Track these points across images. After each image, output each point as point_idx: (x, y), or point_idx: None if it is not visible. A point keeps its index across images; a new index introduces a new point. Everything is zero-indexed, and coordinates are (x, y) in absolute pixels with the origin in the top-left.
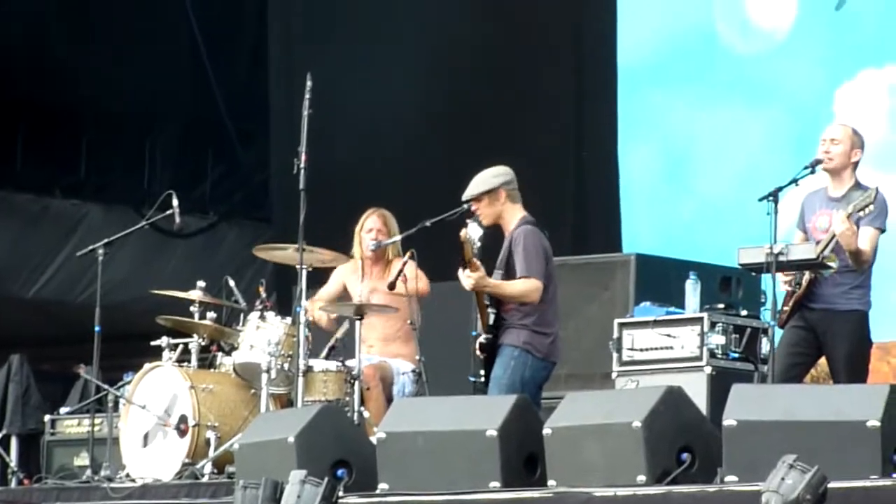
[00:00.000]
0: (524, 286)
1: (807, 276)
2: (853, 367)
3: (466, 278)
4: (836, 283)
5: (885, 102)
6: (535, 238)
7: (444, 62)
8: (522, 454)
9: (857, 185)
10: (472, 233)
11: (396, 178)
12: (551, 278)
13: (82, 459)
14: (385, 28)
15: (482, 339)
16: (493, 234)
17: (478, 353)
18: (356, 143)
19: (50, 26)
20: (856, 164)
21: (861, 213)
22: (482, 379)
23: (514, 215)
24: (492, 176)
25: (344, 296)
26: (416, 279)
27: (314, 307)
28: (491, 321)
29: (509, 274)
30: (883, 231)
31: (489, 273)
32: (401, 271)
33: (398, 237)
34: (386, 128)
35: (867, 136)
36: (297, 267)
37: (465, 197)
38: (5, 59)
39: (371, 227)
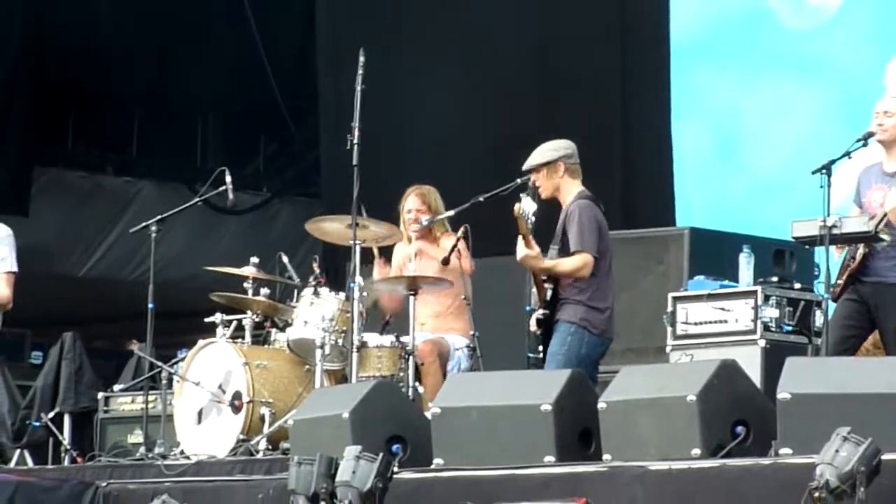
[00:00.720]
0: (576, 262)
1: (861, 249)
2: None
3: (521, 251)
4: (888, 257)
5: None
6: (591, 212)
7: (494, 41)
8: (577, 428)
9: None
10: (527, 207)
11: (449, 156)
12: (606, 253)
13: (136, 437)
14: (430, 9)
15: (539, 314)
16: (552, 208)
17: (534, 328)
18: (407, 121)
19: (101, 6)
20: None
21: None
22: (540, 355)
23: (571, 189)
24: (552, 149)
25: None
26: (464, 258)
27: (386, 296)
28: (548, 297)
29: (564, 248)
30: None
31: (545, 247)
32: (454, 246)
33: (443, 215)
34: (436, 107)
35: None
36: (350, 243)
37: (524, 167)
38: (57, 39)
39: (410, 207)
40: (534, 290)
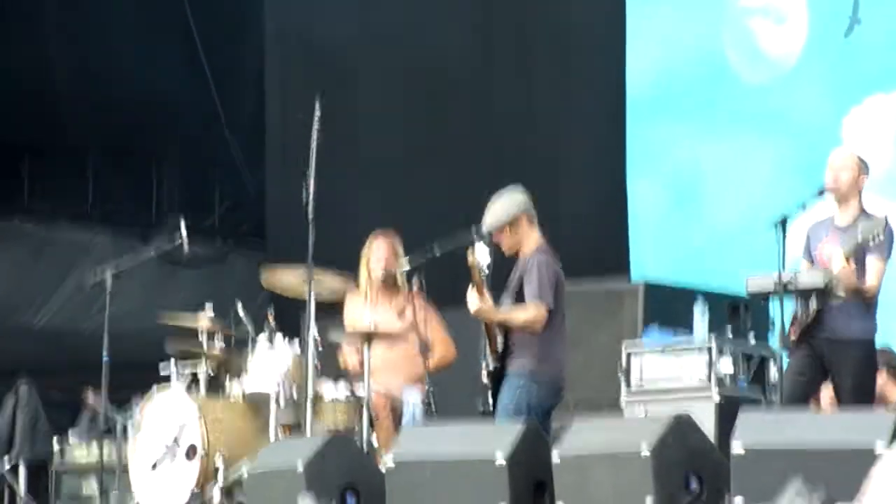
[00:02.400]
0: (530, 314)
1: (814, 303)
2: (859, 396)
3: (473, 302)
4: (842, 313)
5: (893, 128)
6: (550, 266)
7: (443, 93)
8: (531, 482)
9: (864, 213)
10: (481, 257)
11: (397, 202)
12: (560, 307)
13: (91, 487)
14: (379, 57)
15: (490, 367)
16: (505, 257)
17: (485, 381)
18: (353, 169)
19: (51, 58)
20: (861, 191)
21: (871, 244)
22: (491, 408)
23: (530, 240)
24: (512, 204)
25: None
26: (426, 319)
27: (344, 357)
28: (499, 348)
29: (519, 298)
30: (887, 259)
31: (499, 295)
32: (412, 300)
33: (407, 267)
34: (381, 153)
35: (874, 162)
36: (305, 294)
37: (487, 229)
38: (9, 92)
39: (377, 252)
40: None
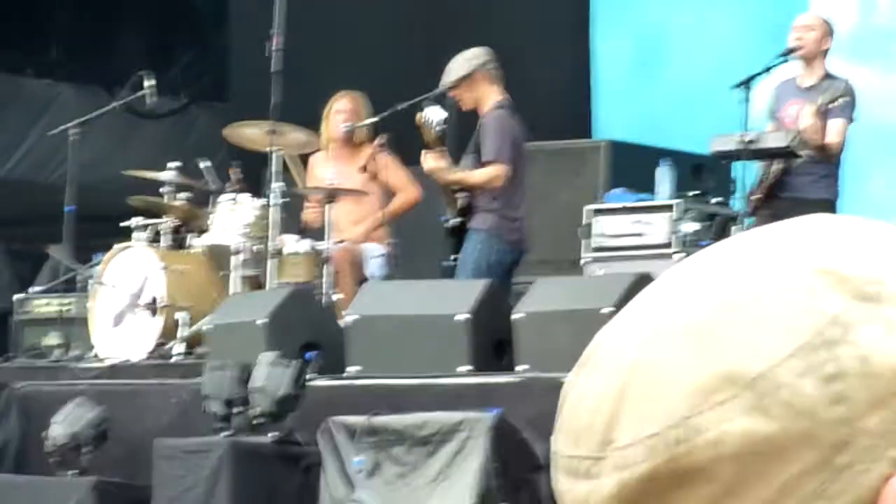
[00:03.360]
0: (488, 173)
1: (777, 164)
2: None
3: (426, 162)
4: (805, 173)
5: None
6: (506, 121)
7: None
8: (492, 339)
9: (828, 76)
10: (432, 115)
11: (371, 65)
12: (520, 162)
13: (52, 339)
14: None
15: (452, 222)
16: (470, 116)
17: (448, 236)
18: (330, 29)
19: None
20: (825, 53)
21: (833, 105)
22: (452, 261)
23: (489, 98)
24: (468, 59)
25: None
26: (388, 169)
27: (306, 213)
28: (460, 205)
29: (479, 157)
30: (852, 122)
31: (460, 155)
32: (372, 154)
33: (370, 120)
34: (354, 14)
35: (840, 25)
36: (269, 149)
37: (442, 85)
38: None
39: (340, 108)
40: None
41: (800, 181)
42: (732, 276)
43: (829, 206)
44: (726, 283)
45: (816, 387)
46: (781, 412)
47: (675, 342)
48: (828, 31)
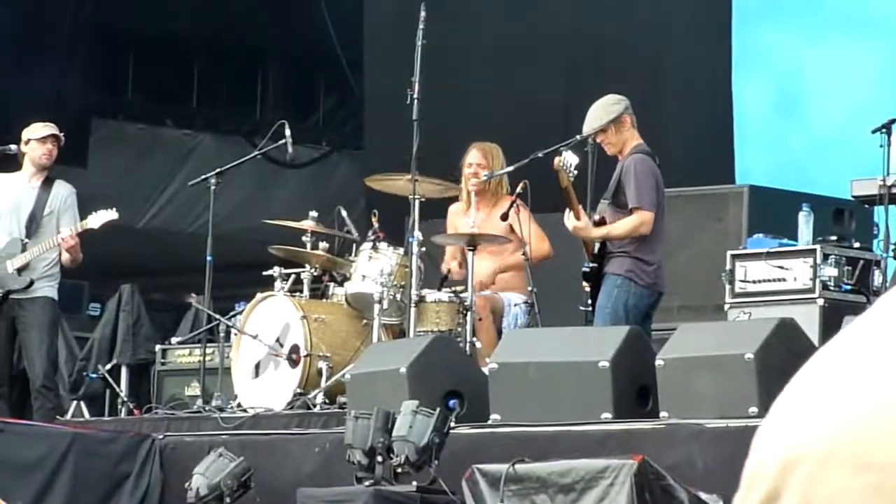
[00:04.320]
0: (633, 222)
1: None
2: None
3: (570, 221)
4: None
5: None
6: (647, 166)
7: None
8: (635, 385)
9: None
10: (568, 159)
11: (506, 114)
12: (661, 208)
13: (193, 389)
14: None
15: (585, 267)
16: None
17: (583, 282)
18: (463, 76)
19: None
20: None
21: None
22: (590, 307)
23: (630, 142)
24: (613, 103)
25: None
26: (525, 222)
27: (447, 263)
28: (595, 250)
29: (616, 201)
30: None
31: (597, 200)
32: (513, 202)
33: (504, 170)
34: (496, 64)
35: None
36: (410, 197)
37: (589, 128)
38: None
39: (471, 161)
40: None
41: None
42: None
43: None
44: None
45: None
46: None
47: None
48: None
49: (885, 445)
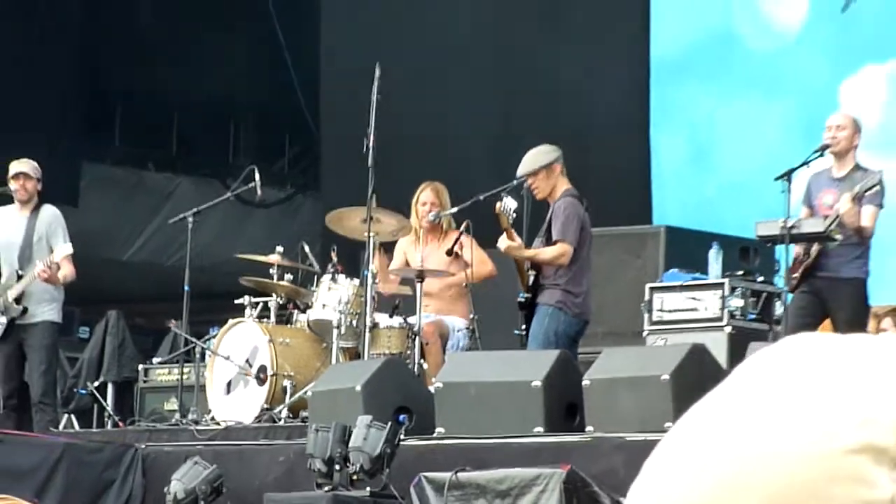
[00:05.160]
0: (555, 251)
1: (815, 247)
2: (853, 328)
3: (502, 243)
4: (840, 255)
5: (885, 94)
6: (573, 207)
7: (503, 60)
8: (563, 402)
9: (858, 167)
10: (508, 204)
11: (447, 156)
12: (584, 244)
13: (172, 404)
14: (428, 17)
15: (521, 298)
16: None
17: (519, 310)
18: (407, 124)
19: (142, 20)
20: (856, 147)
21: (868, 192)
22: (524, 332)
23: (560, 188)
24: (546, 152)
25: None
26: (470, 250)
27: (382, 279)
28: (530, 282)
29: (548, 240)
30: (881, 208)
31: (532, 239)
32: (457, 240)
33: (450, 210)
34: (435, 110)
35: (867, 123)
36: (365, 235)
37: (523, 172)
38: (105, 50)
39: (426, 200)
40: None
41: (834, 262)
42: (778, 459)
43: (860, 283)
44: (775, 469)
45: None
46: None
47: None
48: (857, 129)
49: None
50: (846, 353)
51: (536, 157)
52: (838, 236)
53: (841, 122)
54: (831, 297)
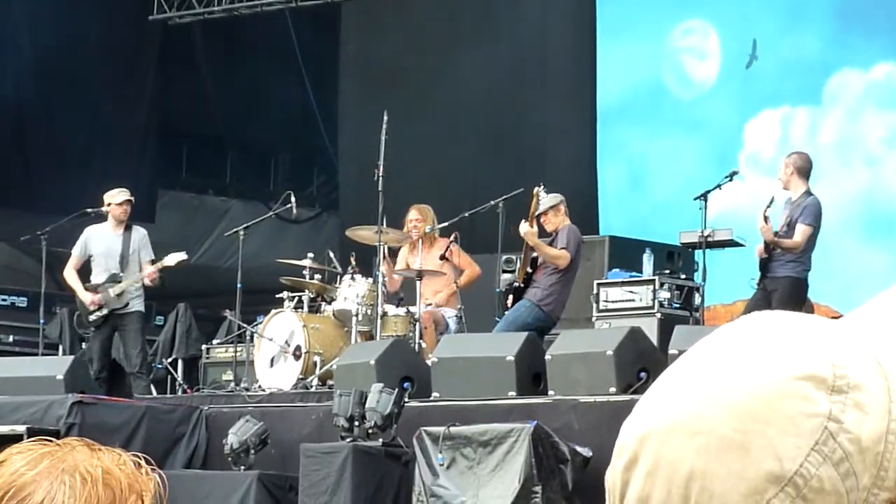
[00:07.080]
0: (558, 252)
1: (765, 255)
2: None
3: (523, 227)
4: (776, 259)
5: (778, 132)
6: (578, 234)
7: (470, 106)
8: (531, 373)
9: (807, 193)
10: (543, 194)
11: (436, 181)
12: (576, 263)
13: (228, 375)
14: (424, 78)
15: (515, 284)
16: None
17: (509, 296)
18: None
19: (203, 79)
20: (796, 179)
21: (798, 212)
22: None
23: (565, 222)
24: (555, 197)
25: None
26: (458, 256)
27: (389, 278)
28: (525, 275)
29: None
30: (812, 227)
31: (506, 256)
32: (448, 247)
33: (436, 226)
34: (427, 151)
35: (765, 157)
36: (377, 244)
37: (537, 212)
38: (174, 101)
39: (411, 218)
40: (512, 267)
41: (774, 264)
42: (740, 384)
43: (793, 281)
44: (738, 390)
45: (832, 470)
46: (815, 496)
47: (722, 455)
48: (797, 164)
49: (709, 417)
50: (794, 319)
51: (550, 199)
52: (743, 244)
53: (784, 160)
54: (772, 292)
